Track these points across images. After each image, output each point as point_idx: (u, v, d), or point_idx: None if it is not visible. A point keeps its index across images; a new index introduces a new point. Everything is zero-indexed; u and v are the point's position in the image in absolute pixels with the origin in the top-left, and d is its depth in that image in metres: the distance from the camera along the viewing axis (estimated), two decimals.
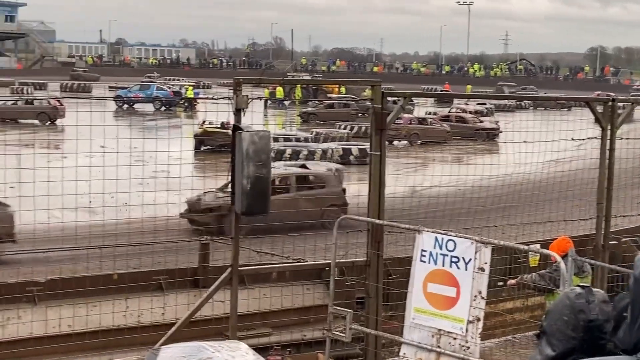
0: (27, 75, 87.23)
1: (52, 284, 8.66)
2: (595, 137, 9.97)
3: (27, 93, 60.10)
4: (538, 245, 8.91)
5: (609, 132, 9.66)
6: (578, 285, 3.17)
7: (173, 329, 7.64)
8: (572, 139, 12.30)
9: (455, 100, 54.46)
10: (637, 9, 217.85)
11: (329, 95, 53.85)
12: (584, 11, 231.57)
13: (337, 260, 7.91)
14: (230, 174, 7.71)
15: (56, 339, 8.24)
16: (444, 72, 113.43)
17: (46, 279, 8.80)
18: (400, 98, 8.95)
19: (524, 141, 11.88)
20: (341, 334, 7.52)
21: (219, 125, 30.59)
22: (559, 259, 6.93)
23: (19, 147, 30.67)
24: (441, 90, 73.23)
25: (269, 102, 52.87)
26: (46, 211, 9.14)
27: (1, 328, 8.11)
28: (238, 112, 7.87)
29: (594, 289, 3.13)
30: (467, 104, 49.12)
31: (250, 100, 7.88)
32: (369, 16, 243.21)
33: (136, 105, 54.57)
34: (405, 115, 36.56)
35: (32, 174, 8.84)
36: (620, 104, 10.40)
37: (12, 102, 44.94)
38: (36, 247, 10.35)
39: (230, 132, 28.71)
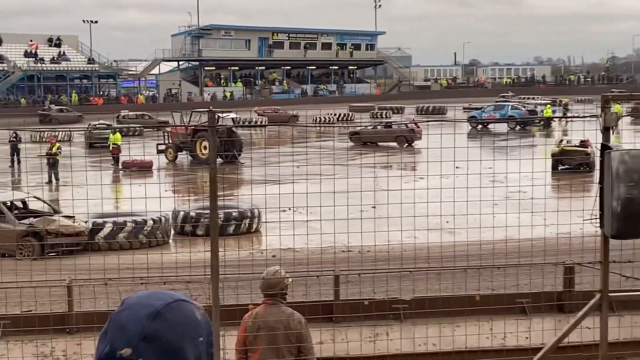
0: (385, 100, 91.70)
1: (418, 303, 8.89)
2: None
3: (386, 117, 62.99)
4: None
5: None
6: None
7: (540, 353, 7.46)
8: None
9: None
10: None
11: None
12: None
13: None
14: (598, 195, 7.39)
15: (423, 357, 8.43)
16: None
17: (412, 298, 9.06)
18: None
19: None
20: None
21: (577, 144, 29.64)
22: None
23: (377, 169, 32.27)
24: None
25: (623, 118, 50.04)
26: (406, 230, 9.39)
27: (372, 343, 8.47)
28: (607, 130, 7.52)
29: None
30: None
31: (620, 117, 7.50)
32: None
33: (490, 126, 54.76)
34: None
35: (392, 194, 9.16)
36: None
37: (372, 126, 47.40)
38: (403, 266, 10.72)
39: (588, 150, 27.41)
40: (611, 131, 7.59)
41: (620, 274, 9.39)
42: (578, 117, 9.20)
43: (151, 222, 17.99)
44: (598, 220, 7.44)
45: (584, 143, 28.32)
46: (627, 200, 7.09)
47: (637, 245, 9.00)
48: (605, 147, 7.40)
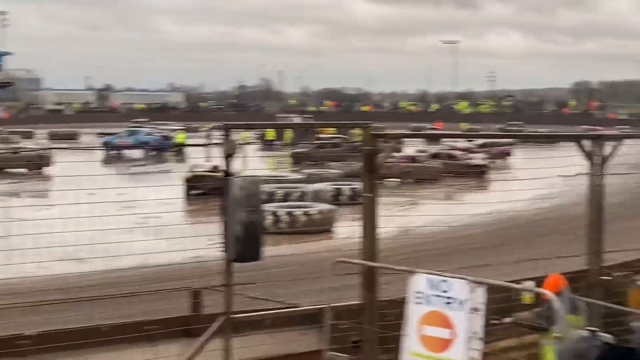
0: (14, 123, 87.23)
1: (43, 338, 8.51)
2: (584, 173, 9.93)
3: (15, 142, 60.07)
4: (533, 283, 8.84)
5: (597, 167, 9.62)
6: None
7: None
8: (562, 175, 12.33)
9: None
10: (610, 43, 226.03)
11: (316, 135, 53.98)
12: (560, 47, 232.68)
13: (331, 304, 7.84)
14: (221, 220, 7.66)
15: None
16: (431, 109, 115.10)
17: (37, 332, 8.67)
18: (390, 139, 8.94)
19: (514, 179, 11.90)
20: None
21: (209, 169, 30.59)
22: (552, 297, 6.91)
23: (6, 197, 30.52)
24: (431, 128, 74.03)
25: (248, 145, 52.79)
26: (34, 262, 9.01)
27: None
28: (228, 157, 7.84)
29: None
30: (457, 141, 49.46)
31: (239, 145, 7.86)
32: (354, 56, 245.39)
33: (125, 151, 54.53)
34: (397, 154, 36.71)
35: (20, 224, 8.77)
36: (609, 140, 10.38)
37: None
38: (25, 299, 10.24)
39: (218, 175, 28.46)
40: (233, 158, 7.90)
41: (244, 295, 9.82)
42: (204, 144, 9.52)
43: None
44: (221, 245, 7.72)
45: (215, 168, 29.35)
46: (247, 225, 7.45)
47: (259, 267, 9.47)
48: (227, 174, 7.72)
